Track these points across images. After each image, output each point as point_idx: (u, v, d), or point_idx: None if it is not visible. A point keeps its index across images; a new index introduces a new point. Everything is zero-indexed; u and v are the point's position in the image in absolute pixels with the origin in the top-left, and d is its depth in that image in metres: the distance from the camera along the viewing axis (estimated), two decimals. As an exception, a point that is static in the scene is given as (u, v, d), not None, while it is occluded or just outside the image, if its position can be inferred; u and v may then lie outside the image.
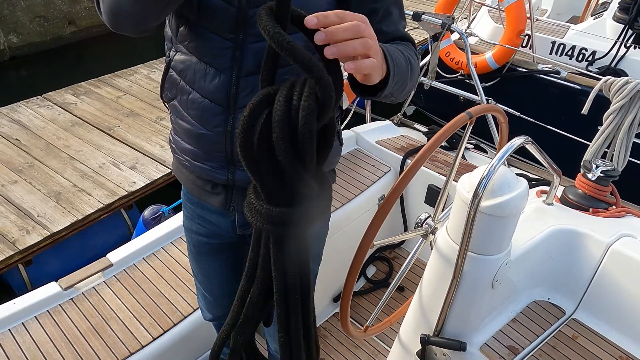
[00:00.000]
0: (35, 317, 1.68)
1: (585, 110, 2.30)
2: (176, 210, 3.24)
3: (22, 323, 1.66)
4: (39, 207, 3.40)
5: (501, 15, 4.27)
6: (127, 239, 3.62)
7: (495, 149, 2.85)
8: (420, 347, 1.31)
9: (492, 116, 2.44)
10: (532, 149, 1.32)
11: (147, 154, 4.00)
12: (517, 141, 1.20)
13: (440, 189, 2.41)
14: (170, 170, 3.82)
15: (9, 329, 1.64)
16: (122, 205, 3.57)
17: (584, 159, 1.84)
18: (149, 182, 3.69)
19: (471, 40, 4.44)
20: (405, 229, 2.64)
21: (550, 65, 3.94)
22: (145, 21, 0.95)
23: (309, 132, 0.65)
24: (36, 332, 1.64)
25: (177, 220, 2.09)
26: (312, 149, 0.67)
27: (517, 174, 1.66)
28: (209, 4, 1.00)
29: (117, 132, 4.28)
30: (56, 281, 1.79)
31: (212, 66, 1.06)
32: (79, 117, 4.50)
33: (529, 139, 1.26)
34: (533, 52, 4.04)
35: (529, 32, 4.05)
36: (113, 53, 6.96)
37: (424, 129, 2.85)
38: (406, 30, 1.11)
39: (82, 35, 7.17)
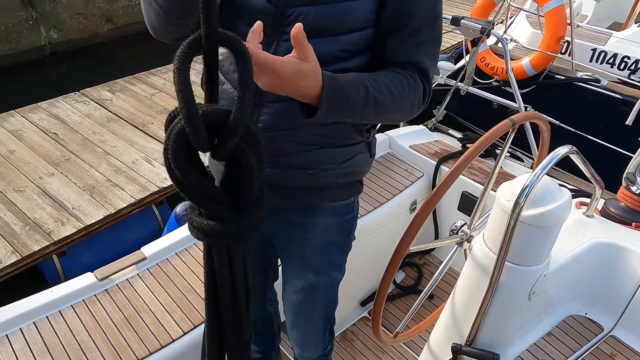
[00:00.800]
0: (71, 305, 1.72)
1: (630, 120, 2.22)
2: None
3: (59, 311, 1.70)
4: (74, 199, 3.49)
5: (540, 20, 4.17)
6: (157, 234, 3.69)
7: (531, 157, 2.80)
8: (451, 357, 1.29)
9: (531, 124, 2.38)
10: (576, 159, 1.28)
11: (179, 151, 4.06)
12: (562, 150, 1.17)
13: (474, 196, 2.39)
14: (200, 168, 3.86)
15: (47, 316, 1.68)
16: (154, 200, 3.63)
17: (626, 172, 1.78)
18: (180, 179, 3.74)
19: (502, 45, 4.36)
20: (437, 235, 2.60)
21: (590, 73, 3.83)
22: (173, 32, 0.99)
23: (175, 162, 0.59)
24: (72, 320, 1.68)
25: None
26: (187, 176, 0.61)
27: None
28: (250, 3, 1.03)
29: (150, 129, 4.36)
30: (92, 272, 1.83)
31: None
32: (114, 113, 4.61)
33: (574, 148, 1.22)
34: (572, 59, 3.94)
35: (569, 39, 3.95)
36: (148, 51, 7.09)
37: (459, 135, 2.80)
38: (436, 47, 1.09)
39: (119, 33, 7.34)
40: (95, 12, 7.05)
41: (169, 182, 3.70)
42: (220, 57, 1.12)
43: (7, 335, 1.60)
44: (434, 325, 1.44)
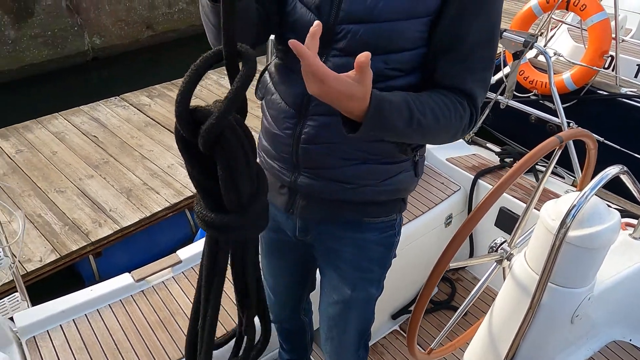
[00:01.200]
0: (109, 305, 1.77)
1: None
2: None
3: (97, 310, 1.75)
4: (111, 202, 3.58)
5: (583, 34, 4.07)
6: (189, 238, 3.75)
7: (571, 174, 2.72)
8: None
9: (575, 140, 2.32)
10: (626, 179, 1.24)
11: (213, 157, 4.12)
12: (612, 170, 1.13)
13: (512, 212, 2.33)
14: (234, 175, 3.91)
15: (85, 314, 1.73)
16: (187, 205, 3.69)
17: None
18: (213, 184, 3.79)
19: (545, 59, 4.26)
20: (472, 251, 2.55)
21: (635, 89, 3.71)
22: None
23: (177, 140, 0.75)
24: (109, 319, 1.72)
25: None
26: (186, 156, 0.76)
27: None
28: (301, 19, 1.04)
29: (186, 134, 4.44)
30: (129, 272, 1.88)
31: (295, 73, 1.08)
32: (152, 118, 4.72)
33: (624, 168, 1.18)
34: (617, 74, 3.82)
35: (613, 53, 3.83)
36: (186, 57, 7.24)
37: (497, 149, 2.74)
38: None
39: (158, 39, 7.54)
40: (137, 19, 7.26)
41: (203, 188, 3.75)
42: (273, 69, 1.18)
43: (48, 330, 1.66)
44: (468, 343, 1.41)
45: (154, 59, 7.40)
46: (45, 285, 3.05)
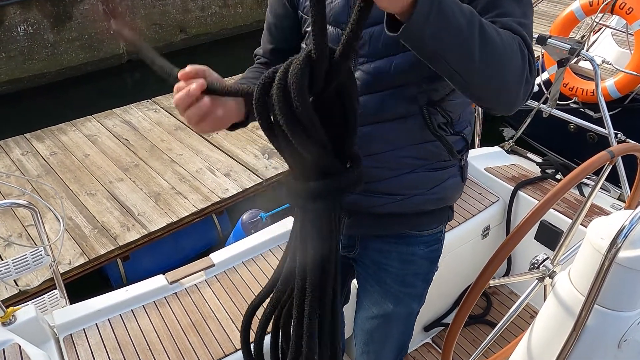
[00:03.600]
0: (143, 306, 1.79)
1: None
2: (274, 218, 3.28)
3: (132, 310, 1.76)
4: (140, 206, 3.60)
5: (628, 39, 3.86)
6: (216, 243, 3.75)
7: (619, 188, 2.57)
8: None
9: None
10: None
11: (241, 162, 4.11)
12: None
13: (554, 226, 2.25)
14: (261, 180, 3.88)
15: (120, 314, 1.75)
16: (214, 210, 3.69)
17: None
18: (240, 190, 3.78)
19: (587, 65, 4.08)
20: (509, 264, 2.45)
21: (685, 98, 3.49)
22: None
23: (299, 88, 0.68)
24: (143, 320, 1.73)
25: (276, 229, 2.12)
26: (306, 109, 0.70)
27: None
28: None
29: (214, 139, 4.45)
30: (163, 274, 1.90)
31: None
32: (182, 122, 4.75)
33: None
34: (665, 82, 3.61)
35: (661, 59, 3.62)
36: (218, 60, 7.32)
37: (538, 159, 2.63)
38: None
39: (191, 42, 7.63)
40: (170, 23, 7.37)
41: (230, 193, 3.74)
42: None
43: (84, 329, 1.68)
44: None
45: (186, 61, 7.45)
46: (73, 287, 3.09)
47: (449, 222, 1.31)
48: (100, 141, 4.40)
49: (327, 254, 0.85)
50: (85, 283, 3.19)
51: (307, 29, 1.07)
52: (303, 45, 1.12)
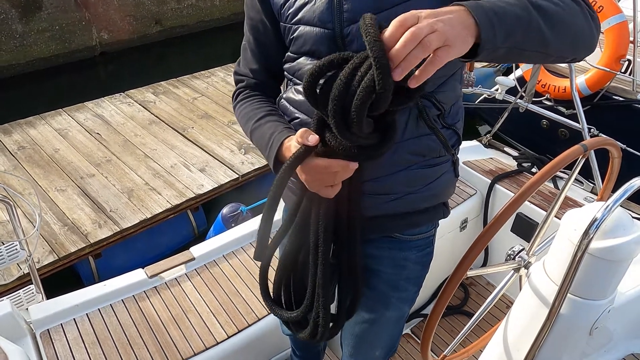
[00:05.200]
0: (122, 300, 1.77)
1: None
2: (254, 211, 3.26)
3: (111, 304, 1.75)
4: (112, 202, 3.53)
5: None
6: (191, 239, 3.70)
7: (591, 181, 2.63)
8: None
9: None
10: None
11: (217, 157, 4.06)
12: (638, 181, 1.09)
13: (529, 218, 2.30)
14: (237, 176, 3.85)
15: (99, 309, 1.72)
16: (189, 206, 3.64)
17: None
18: (216, 185, 3.74)
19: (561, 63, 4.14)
20: (487, 256, 2.50)
21: (653, 96, 3.58)
22: None
23: (359, 108, 0.77)
24: (122, 315, 1.72)
25: (257, 222, 2.13)
26: (360, 122, 0.79)
27: None
28: (310, 35, 1.01)
29: (190, 133, 4.39)
30: (143, 268, 1.88)
31: None
32: (156, 116, 4.67)
33: None
34: (634, 81, 3.69)
35: (630, 57, 3.71)
36: (193, 53, 7.22)
37: (514, 153, 2.68)
38: None
39: (166, 35, 7.50)
40: (145, 14, 7.22)
41: (206, 189, 3.70)
42: (289, 96, 1.13)
43: (62, 324, 1.66)
44: (481, 350, 1.38)
45: (161, 53, 7.37)
46: (43, 286, 3.01)
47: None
48: (71, 135, 4.30)
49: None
50: (55, 281, 3.11)
51: (292, 37, 1.04)
52: (288, 53, 1.09)
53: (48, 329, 1.63)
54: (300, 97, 1.10)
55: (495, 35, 0.76)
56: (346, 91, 0.78)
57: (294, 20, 1.03)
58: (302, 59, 1.06)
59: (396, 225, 1.18)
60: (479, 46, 0.76)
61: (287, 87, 1.17)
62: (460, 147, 2.70)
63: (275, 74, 1.18)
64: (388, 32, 0.72)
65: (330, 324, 1.15)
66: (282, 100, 1.18)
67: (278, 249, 1.15)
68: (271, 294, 1.19)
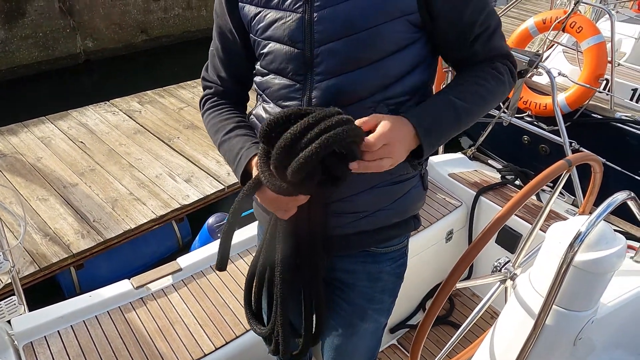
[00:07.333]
0: (107, 312, 1.74)
1: None
2: (240, 222, 3.23)
3: (96, 316, 1.72)
4: (96, 212, 3.49)
5: (578, 56, 4.06)
6: (176, 250, 3.67)
7: (572, 194, 2.70)
8: None
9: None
10: (633, 205, 1.25)
11: (203, 168, 4.05)
12: (620, 196, 1.14)
13: (514, 230, 2.35)
14: (223, 187, 3.84)
15: (84, 320, 1.70)
16: (174, 217, 3.61)
17: None
18: (202, 196, 3.72)
19: (540, 80, 4.25)
20: (472, 267, 2.53)
21: (630, 114, 3.69)
22: None
23: (300, 166, 0.86)
24: (107, 326, 1.69)
25: (245, 233, 2.12)
26: (297, 174, 0.86)
27: None
28: (279, 53, 1.03)
29: (175, 143, 4.37)
30: (129, 279, 1.85)
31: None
32: (142, 125, 4.64)
33: (632, 194, 1.20)
34: (611, 98, 3.81)
35: (608, 77, 3.82)
36: (179, 62, 7.20)
37: (499, 166, 2.75)
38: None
39: (152, 44, 7.48)
40: (131, 23, 7.19)
41: (191, 200, 3.68)
42: (259, 112, 1.16)
43: (45, 336, 1.63)
44: None
45: (147, 63, 7.33)
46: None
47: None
48: (54, 144, 4.24)
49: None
50: (35, 293, 3.05)
51: (262, 52, 1.06)
52: (257, 66, 1.11)
53: (31, 342, 1.60)
54: (268, 115, 1.12)
55: (431, 150, 1.00)
56: (292, 146, 0.86)
57: (264, 35, 1.04)
58: (270, 77, 1.08)
59: (368, 241, 1.20)
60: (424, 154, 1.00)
61: (257, 101, 1.19)
62: (445, 159, 2.77)
63: (242, 81, 1.20)
64: (372, 137, 0.91)
65: (302, 341, 1.23)
66: (252, 116, 1.20)
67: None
68: (253, 307, 1.24)
